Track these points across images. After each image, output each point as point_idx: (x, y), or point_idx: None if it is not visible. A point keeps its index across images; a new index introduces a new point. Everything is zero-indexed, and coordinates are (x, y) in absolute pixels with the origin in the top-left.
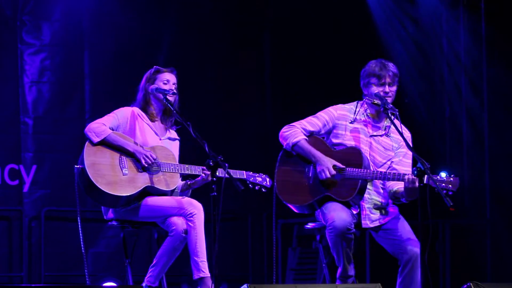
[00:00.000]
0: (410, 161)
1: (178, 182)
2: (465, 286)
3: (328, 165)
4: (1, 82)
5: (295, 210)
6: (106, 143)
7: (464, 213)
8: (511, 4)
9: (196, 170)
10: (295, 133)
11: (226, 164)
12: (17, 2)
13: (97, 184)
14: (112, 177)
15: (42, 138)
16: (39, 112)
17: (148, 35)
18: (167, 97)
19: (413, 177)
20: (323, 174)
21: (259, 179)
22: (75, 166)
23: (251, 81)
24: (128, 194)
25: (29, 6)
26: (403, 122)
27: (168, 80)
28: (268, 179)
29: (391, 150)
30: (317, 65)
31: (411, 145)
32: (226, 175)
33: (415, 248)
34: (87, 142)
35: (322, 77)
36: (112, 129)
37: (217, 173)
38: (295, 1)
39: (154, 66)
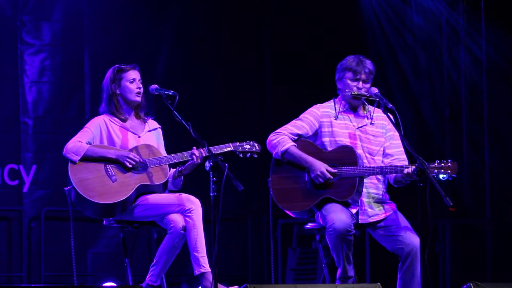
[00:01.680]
0: (399, 141)
1: (169, 173)
2: (465, 286)
3: (322, 169)
4: (1, 82)
5: (295, 216)
6: (87, 158)
7: (464, 213)
8: (511, 3)
9: (184, 156)
10: (282, 140)
11: (226, 165)
12: (17, 2)
13: (90, 198)
14: (103, 187)
15: (42, 138)
16: (39, 112)
17: (148, 35)
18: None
19: (412, 169)
20: (319, 179)
21: (248, 146)
22: (65, 188)
23: (251, 81)
24: (123, 198)
25: (29, 6)
26: (402, 121)
27: (134, 79)
28: (256, 144)
29: (381, 136)
30: (317, 64)
31: (400, 123)
32: (227, 174)
33: (414, 242)
34: (69, 163)
35: (322, 76)
36: (90, 143)
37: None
38: (295, 1)
39: (116, 65)
